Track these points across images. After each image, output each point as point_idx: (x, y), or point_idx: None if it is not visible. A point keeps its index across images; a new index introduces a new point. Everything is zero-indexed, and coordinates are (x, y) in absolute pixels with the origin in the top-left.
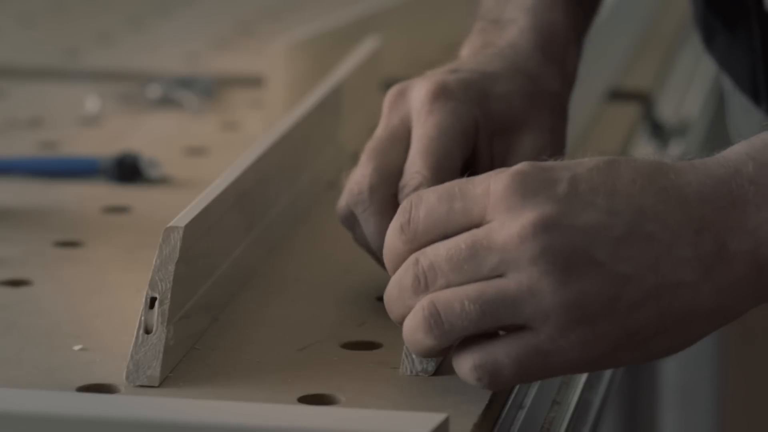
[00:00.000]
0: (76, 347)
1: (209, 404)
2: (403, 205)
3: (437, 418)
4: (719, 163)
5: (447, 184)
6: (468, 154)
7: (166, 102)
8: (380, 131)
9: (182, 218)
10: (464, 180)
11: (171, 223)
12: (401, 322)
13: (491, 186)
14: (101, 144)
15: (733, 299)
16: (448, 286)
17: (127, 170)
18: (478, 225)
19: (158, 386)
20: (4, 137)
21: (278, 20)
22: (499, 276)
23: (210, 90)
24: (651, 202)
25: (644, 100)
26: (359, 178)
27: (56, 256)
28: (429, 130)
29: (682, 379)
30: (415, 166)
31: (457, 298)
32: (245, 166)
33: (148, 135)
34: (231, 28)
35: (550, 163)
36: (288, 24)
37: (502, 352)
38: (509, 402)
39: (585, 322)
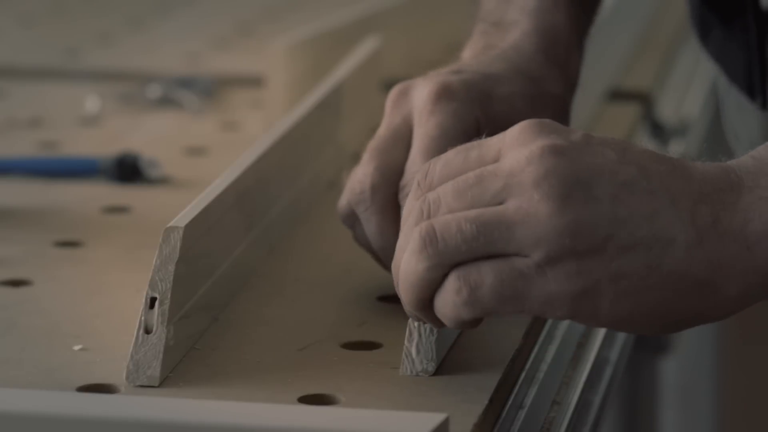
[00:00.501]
0: (76, 347)
1: (209, 404)
2: (423, 166)
3: (437, 418)
4: (724, 162)
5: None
6: None
7: (166, 102)
8: (382, 130)
9: (182, 218)
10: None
11: (171, 223)
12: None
13: (507, 132)
14: (101, 144)
15: (723, 277)
16: (450, 212)
17: (127, 170)
18: None
19: (158, 386)
20: (4, 137)
21: (278, 20)
22: (502, 204)
23: (210, 90)
24: (656, 167)
25: (644, 100)
26: (361, 176)
27: (56, 256)
28: (431, 129)
29: (682, 379)
30: (416, 165)
31: (455, 219)
32: (245, 166)
33: (148, 135)
34: (231, 28)
35: None
36: (288, 24)
37: (487, 267)
38: (509, 402)
39: (573, 254)
